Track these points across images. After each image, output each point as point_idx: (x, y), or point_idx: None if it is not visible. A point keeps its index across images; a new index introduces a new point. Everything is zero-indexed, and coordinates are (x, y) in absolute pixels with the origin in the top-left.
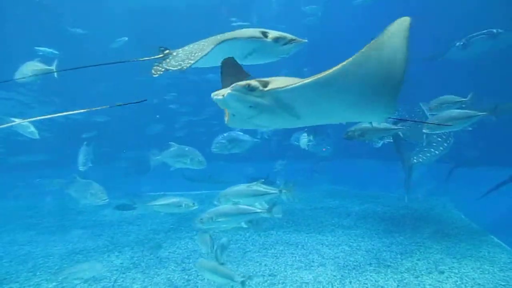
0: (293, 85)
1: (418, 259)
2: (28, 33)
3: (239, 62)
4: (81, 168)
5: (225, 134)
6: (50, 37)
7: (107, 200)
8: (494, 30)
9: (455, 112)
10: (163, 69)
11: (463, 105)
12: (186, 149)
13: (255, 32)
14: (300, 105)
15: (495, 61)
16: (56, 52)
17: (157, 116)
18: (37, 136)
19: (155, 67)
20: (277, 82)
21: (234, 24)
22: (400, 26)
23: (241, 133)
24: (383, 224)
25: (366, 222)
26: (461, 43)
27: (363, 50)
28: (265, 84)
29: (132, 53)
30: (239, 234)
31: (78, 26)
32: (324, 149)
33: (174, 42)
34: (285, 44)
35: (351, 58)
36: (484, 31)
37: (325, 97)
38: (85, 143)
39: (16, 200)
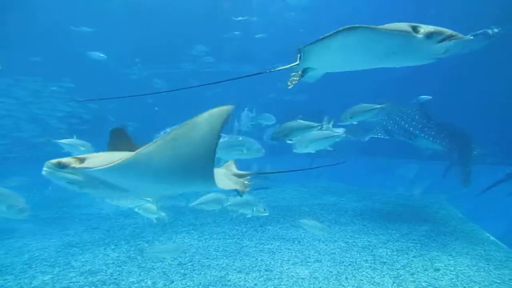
0: (100, 167)
1: (414, 256)
2: (32, 36)
3: (376, 64)
4: None
5: (167, 130)
6: (55, 38)
7: None
8: (490, 31)
9: (314, 133)
10: (298, 78)
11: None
12: (240, 138)
13: (403, 25)
14: (115, 182)
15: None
16: (103, 55)
17: (156, 108)
18: (91, 151)
19: (292, 77)
20: (94, 160)
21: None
22: (217, 112)
23: None
24: (379, 221)
25: (363, 218)
26: None
27: (170, 134)
28: (83, 160)
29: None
30: (236, 229)
31: (83, 25)
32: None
33: (175, 40)
34: (441, 41)
35: (157, 141)
36: (479, 32)
37: (135, 177)
38: (74, 136)
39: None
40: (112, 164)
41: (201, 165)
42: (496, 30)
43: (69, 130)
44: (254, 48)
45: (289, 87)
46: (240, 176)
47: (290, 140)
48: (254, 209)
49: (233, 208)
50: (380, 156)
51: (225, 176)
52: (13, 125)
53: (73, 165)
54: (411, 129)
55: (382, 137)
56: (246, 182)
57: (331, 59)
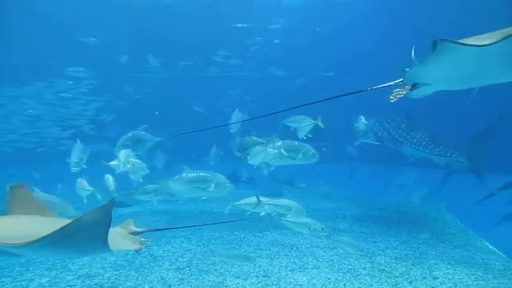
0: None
1: (413, 264)
2: (40, 48)
3: (507, 78)
4: (73, 169)
5: (129, 135)
6: (65, 50)
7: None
8: None
9: (255, 149)
10: (405, 92)
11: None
12: (296, 143)
13: None
14: (15, 252)
15: None
16: (82, 69)
17: (156, 112)
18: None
19: (395, 91)
20: None
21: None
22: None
23: (143, 132)
24: (378, 228)
25: (362, 225)
26: None
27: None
28: None
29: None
30: (234, 235)
31: (90, 35)
32: (324, 149)
33: (177, 44)
34: None
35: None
36: None
37: (36, 252)
38: (78, 140)
39: None
40: (18, 244)
41: (96, 243)
42: None
43: (97, 129)
44: (272, 52)
45: (392, 101)
46: (137, 233)
47: (248, 153)
48: (312, 228)
49: (289, 225)
50: (381, 163)
51: (121, 237)
52: (43, 126)
53: None
54: (397, 136)
55: (373, 142)
56: (143, 239)
57: (452, 75)
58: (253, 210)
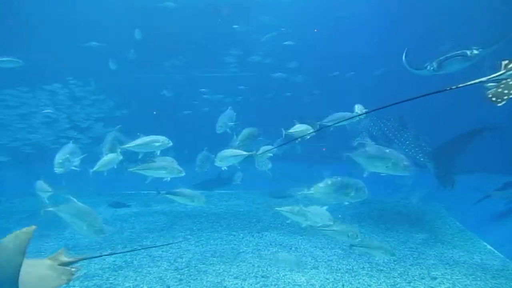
0: None
1: (411, 264)
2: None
3: None
4: (56, 170)
5: (109, 138)
6: (71, 53)
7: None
8: (468, 52)
9: (224, 152)
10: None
11: None
12: (387, 150)
13: None
14: None
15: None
16: (17, 60)
17: (154, 112)
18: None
19: (493, 90)
20: None
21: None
22: (16, 239)
23: (119, 133)
24: (377, 229)
25: (360, 226)
26: (432, 67)
27: None
28: None
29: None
30: (233, 235)
31: (92, 40)
32: (324, 149)
33: (178, 46)
34: None
35: None
36: (457, 53)
37: None
38: (71, 141)
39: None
40: None
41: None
42: (476, 51)
43: (106, 126)
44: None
45: (499, 104)
46: (68, 264)
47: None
48: (350, 234)
49: (327, 233)
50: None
51: (49, 270)
52: (59, 126)
53: None
54: (390, 135)
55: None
56: (73, 269)
57: None
58: (294, 219)
